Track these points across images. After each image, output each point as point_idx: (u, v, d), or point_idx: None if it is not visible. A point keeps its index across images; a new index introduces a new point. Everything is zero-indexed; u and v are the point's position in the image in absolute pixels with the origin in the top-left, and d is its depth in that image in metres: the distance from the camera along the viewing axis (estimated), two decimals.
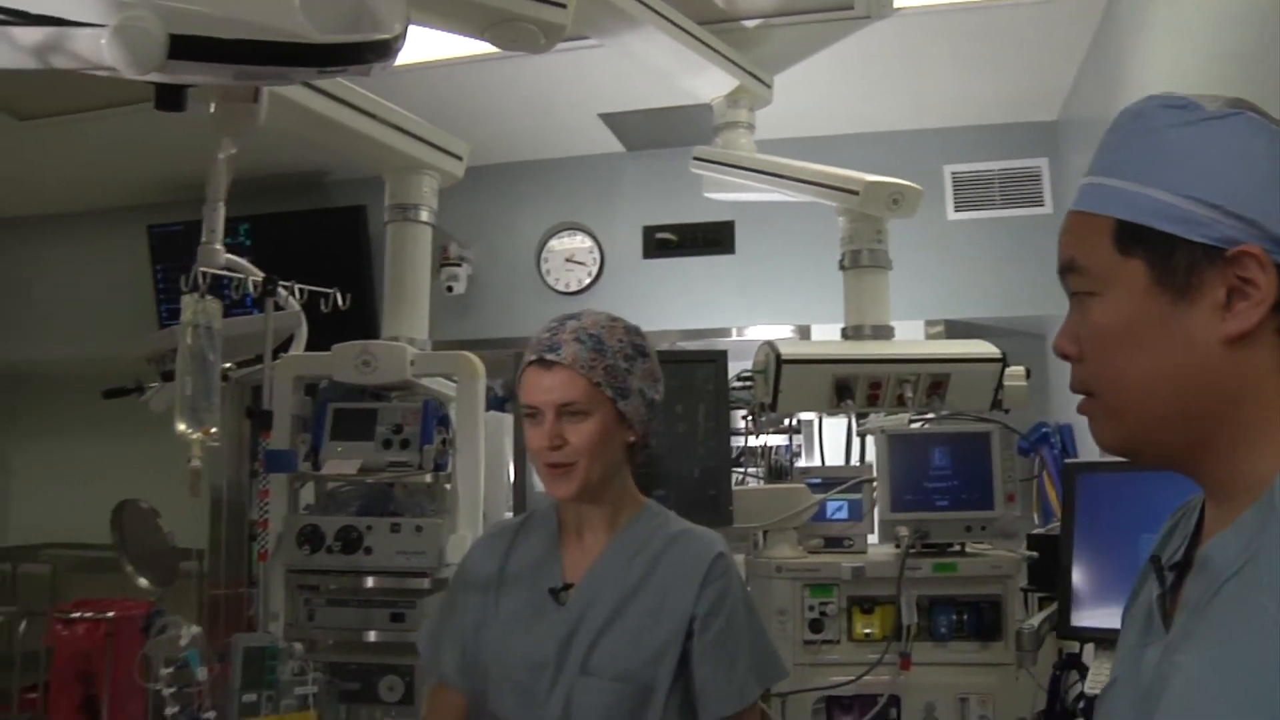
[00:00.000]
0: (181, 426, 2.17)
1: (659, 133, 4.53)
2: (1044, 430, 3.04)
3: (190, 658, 2.10)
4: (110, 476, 6.00)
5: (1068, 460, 2.55)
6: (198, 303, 2.23)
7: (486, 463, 2.55)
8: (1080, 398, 0.96)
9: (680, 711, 1.58)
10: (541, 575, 1.67)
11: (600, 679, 1.56)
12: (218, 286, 3.14)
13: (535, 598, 1.65)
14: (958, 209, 4.41)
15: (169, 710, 2.04)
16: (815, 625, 2.34)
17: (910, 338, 4.07)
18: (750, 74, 3.18)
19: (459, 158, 2.89)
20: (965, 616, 2.33)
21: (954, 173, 4.40)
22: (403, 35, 1.64)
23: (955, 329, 4.35)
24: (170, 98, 1.57)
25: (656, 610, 1.59)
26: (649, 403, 1.66)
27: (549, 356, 1.59)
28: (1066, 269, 0.94)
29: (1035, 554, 2.33)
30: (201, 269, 2.59)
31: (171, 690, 2.05)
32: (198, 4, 1.40)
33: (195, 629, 2.17)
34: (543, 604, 1.63)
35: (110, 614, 4.52)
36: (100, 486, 5.60)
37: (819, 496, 2.48)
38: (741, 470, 2.88)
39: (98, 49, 1.32)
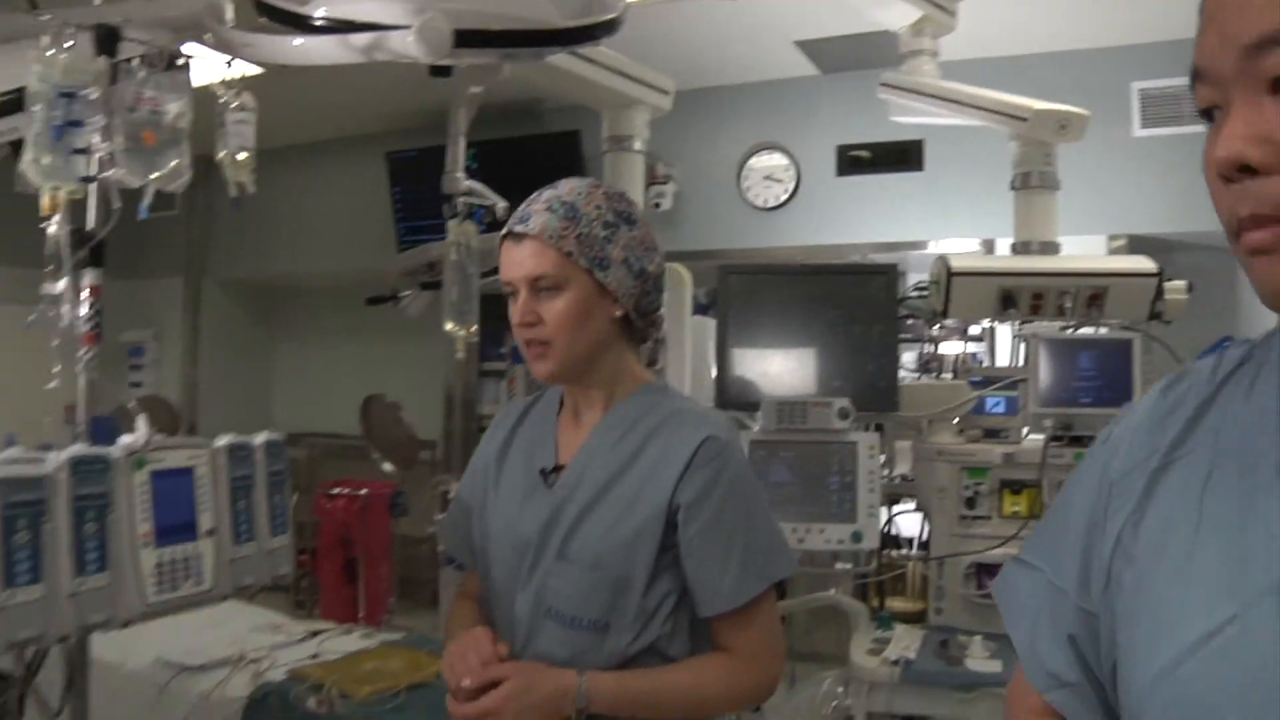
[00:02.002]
0: (449, 326, 2.68)
1: (851, 56, 4.76)
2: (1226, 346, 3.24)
3: None
4: (357, 375, 6.80)
5: None
6: (459, 225, 2.72)
7: (692, 361, 2.99)
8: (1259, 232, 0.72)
9: (674, 607, 1.48)
10: (536, 455, 1.59)
11: (574, 565, 1.47)
12: (452, 207, 3.66)
13: (528, 478, 1.57)
14: (1145, 125, 4.51)
15: None
16: (970, 503, 2.72)
17: (1090, 251, 4.29)
18: (934, 3, 3.43)
19: (666, 92, 3.29)
20: None
21: (1141, 89, 4.49)
22: (624, 11, 2.07)
23: (1140, 244, 4.45)
24: (443, 70, 2.06)
25: (636, 495, 1.47)
26: (638, 273, 1.51)
27: (518, 229, 1.49)
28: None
29: None
30: (447, 193, 3.08)
31: None
32: (474, 4, 1.86)
33: None
34: (534, 485, 1.55)
35: (364, 491, 5.29)
36: (349, 383, 6.41)
37: (976, 392, 2.83)
38: (922, 372, 3.22)
39: (405, 45, 1.80)
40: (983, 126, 3.41)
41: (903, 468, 3.06)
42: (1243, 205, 0.72)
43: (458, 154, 3.10)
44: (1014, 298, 2.90)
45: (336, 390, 6.60)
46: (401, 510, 5.34)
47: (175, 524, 1.65)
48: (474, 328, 2.72)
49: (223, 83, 1.88)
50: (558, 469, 1.55)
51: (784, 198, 5.18)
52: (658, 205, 5.19)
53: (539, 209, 1.49)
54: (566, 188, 1.52)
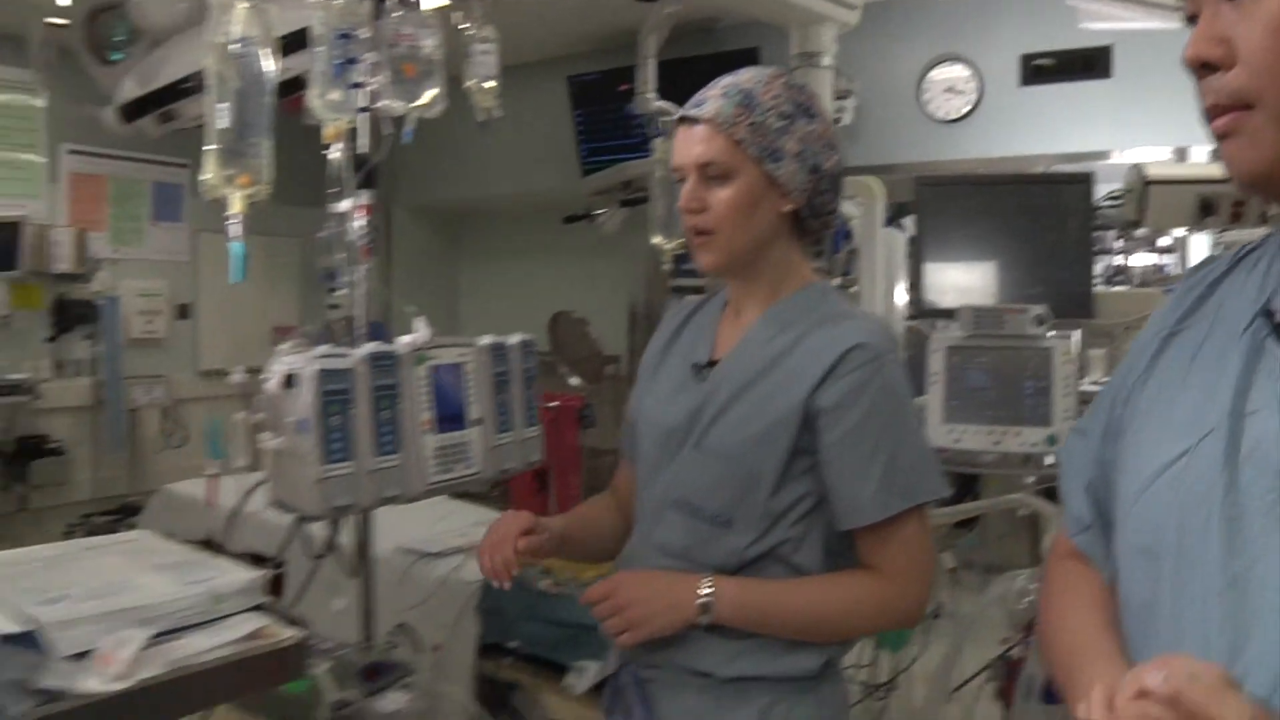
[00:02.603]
0: (656, 239, 2.85)
1: None
2: None
3: None
4: (542, 293, 7.08)
5: None
6: (664, 142, 2.86)
7: (884, 272, 3.09)
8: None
9: (804, 515, 1.44)
10: (695, 350, 1.56)
11: (708, 456, 1.45)
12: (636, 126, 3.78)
13: (683, 372, 1.55)
14: None
15: None
16: None
17: None
18: None
19: (854, 7, 3.34)
20: None
21: None
22: None
23: None
24: None
25: (774, 393, 1.43)
26: (812, 169, 1.45)
27: (692, 112, 1.46)
28: None
29: None
30: (638, 113, 3.23)
31: None
32: None
33: None
34: (687, 379, 1.54)
35: (553, 404, 5.55)
36: (534, 302, 6.68)
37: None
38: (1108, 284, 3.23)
39: None
40: (1179, 29, 3.35)
41: (1096, 375, 3.10)
42: (1207, 97, 0.85)
43: (648, 75, 3.24)
44: (1213, 205, 2.88)
45: (522, 308, 6.88)
46: (589, 422, 5.60)
47: (449, 414, 1.88)
48: (680, 241, 2.89)
49: (462, 15, 2.06)
50: (711, 364, 1.52)
51: (965, 110, 5.14)
52: (838, 120, 5.21)
53: (714, 94, 1.45)
54: (746, 75, 1.48)
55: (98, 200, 6.47)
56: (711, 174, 1.43)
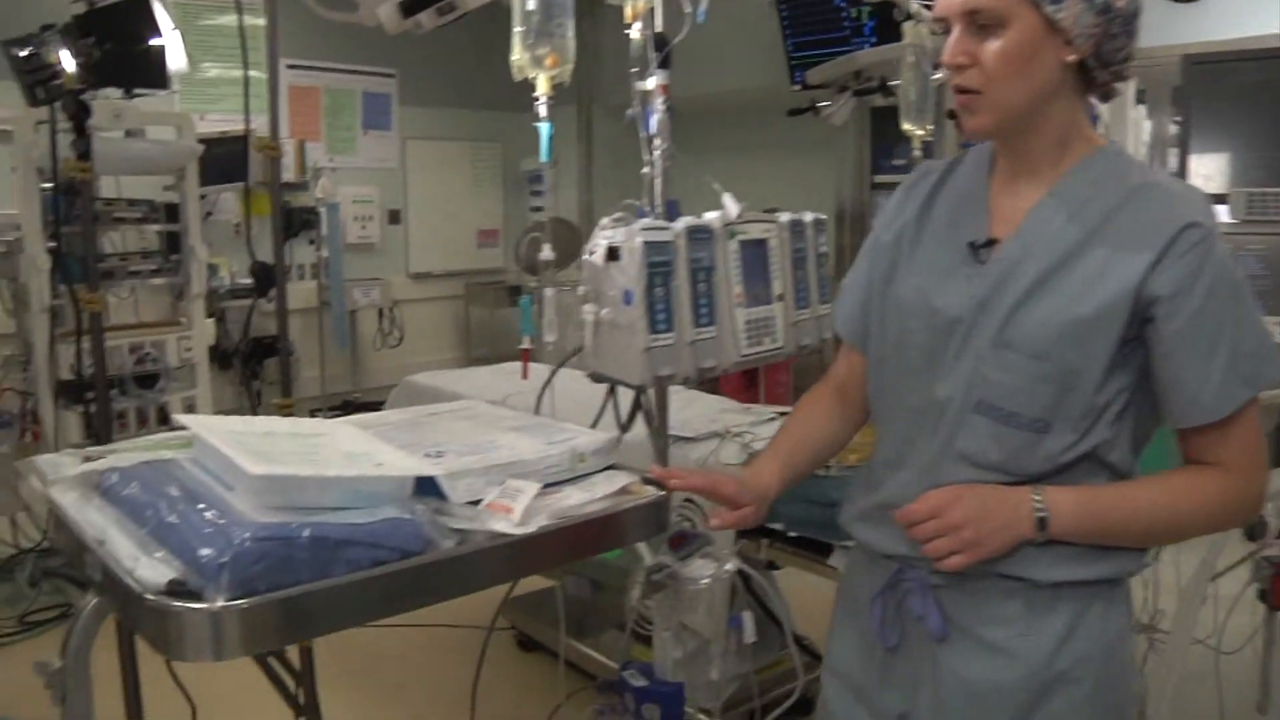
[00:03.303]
0: (906, 125, 2.78)
1: None
2: None
3: None
4: (746, 191, 6.99)
5: None
6: (914, 28, 2.78)
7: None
8: None
9: (1122, 409, 1.30)
10: (963, 226, 1.38)
11: (1016, 354, 1.28)
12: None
13: (952, 252, 1.37)
14: None
15: None
16: None
17: None
18: None
19: None
20: None
21: None
22: None
23: None
24: None
25: (1096, 279, 1.26)
26: (1101, 8, 1.24)
27: None
28: None
29: None
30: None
31: None
32: None
33: None
34: (960, 259, 1.36)
35: None
36: (738, 198, 6.61)
37: None
38: None
39: None
40: None
41: None
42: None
43: None
44: None
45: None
46: None
47: (756, 288, 1.90)
48: (930, 127, 2.81)
49: None
50: (991, 243, 1.34)
51: None
52: None
53: None
54: None
55: (313, 112, 6.72)
56: (980, 22, 1.25)
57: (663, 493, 1.41)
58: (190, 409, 4.35)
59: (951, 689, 1.37)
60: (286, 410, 2.58)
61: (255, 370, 6.18)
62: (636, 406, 1.93)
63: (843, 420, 1.61)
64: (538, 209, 7.45)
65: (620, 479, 1.40)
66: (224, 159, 5.09)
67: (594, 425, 1.85)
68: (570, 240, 6.76)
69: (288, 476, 1.15)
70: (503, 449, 1.38)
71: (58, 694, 1.24)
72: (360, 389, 6.92)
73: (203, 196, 4.72)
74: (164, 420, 4.21)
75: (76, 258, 3.66)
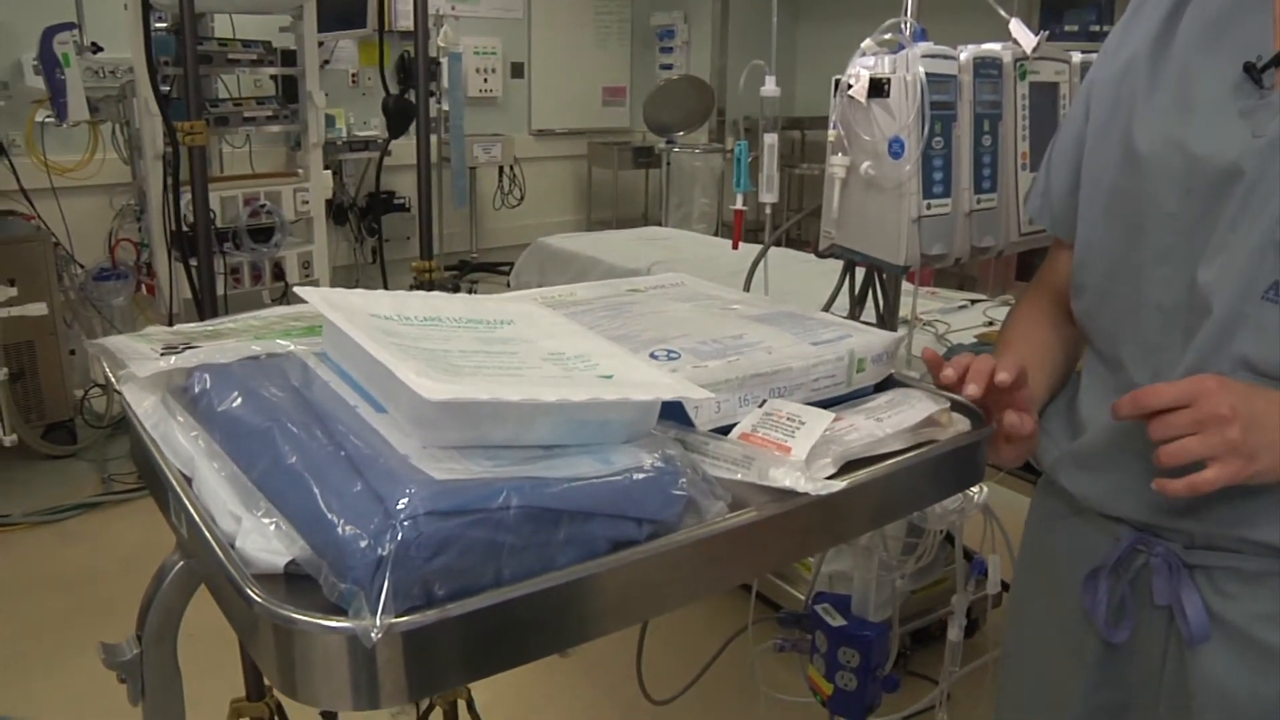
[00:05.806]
0: None
1: None
2: None
3: None
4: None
5: None
6: None
7: None
8: None
9: None
10: (1232, 41, 0.98)
11: None
12: None
13: (1216, 79, 0.98)
14: None
15: None
16: None
17: None
18: None
19: None
20: None
21: None
22: None
23: None
24: None
25: None
26: None
27: None
28: None
29: None
30: None
31: None
32: None
33: None
34: (1230, 88, 0.97)
35: None
36: None
37: None
38: None
39: None
40: None
41: None
42: None
43: None
44: None
45: None
46: None
47: (1042, 148, 1.46)
48: None
49: None
50: (1279, 59, 0.94)
51: None
52: None
53: None
54: None
55: None
56: None
57: (985, 427, 0.99)
58: (305, 265, 4.09)
59: (1213, 711, 1.00)
60: (425, 274, 2.24)
61: (372, 226, 5.90)
62: (868, 287, 1.52)
63: (1067, 350, 1.20)
64: (667, 66, 6.96)
65: (921, 402, 0.97)
66: (342, 4, 4.72)
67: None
68: (705, 100, 6.29)
69: (486, 402, 0.70)
70: (756, 349, 0.98)
71: (134, 689, 0.88)
72: (478, 249, 6.62)
73: (320, 44, 4.37)
74: (279, 276, 3.97)
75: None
